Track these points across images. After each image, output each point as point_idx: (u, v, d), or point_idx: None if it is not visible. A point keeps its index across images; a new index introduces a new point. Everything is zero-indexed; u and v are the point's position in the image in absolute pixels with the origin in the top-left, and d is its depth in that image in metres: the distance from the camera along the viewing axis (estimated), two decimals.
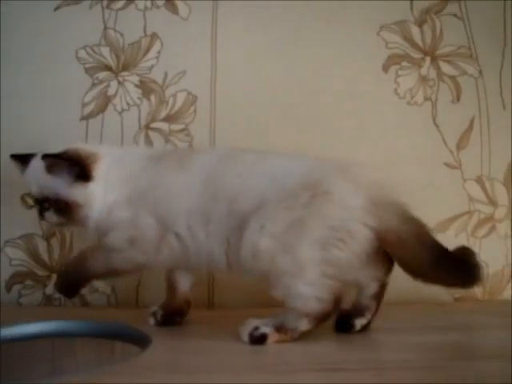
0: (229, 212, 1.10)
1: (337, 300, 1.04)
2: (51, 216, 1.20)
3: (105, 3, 1.55)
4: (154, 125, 1.54)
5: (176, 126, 1.54)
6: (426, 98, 1.58)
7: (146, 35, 1.54)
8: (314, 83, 1.55)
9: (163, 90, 1.54)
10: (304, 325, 1.04)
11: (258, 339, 1.03)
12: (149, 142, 1.54)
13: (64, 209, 1.18)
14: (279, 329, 1.04)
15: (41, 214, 1.21)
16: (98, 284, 1.54)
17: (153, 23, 1.54)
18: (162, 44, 1.53)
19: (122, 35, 1.54)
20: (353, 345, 1.09)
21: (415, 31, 1.58)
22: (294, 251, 1.04)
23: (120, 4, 1.54)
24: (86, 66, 1.55)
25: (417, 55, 1.58)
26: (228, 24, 1.55)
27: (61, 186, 1.18)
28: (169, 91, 1.54)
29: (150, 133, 1.54)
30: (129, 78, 1.54)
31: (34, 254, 1.55)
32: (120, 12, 1.55)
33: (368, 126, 1.56)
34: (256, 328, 1.04)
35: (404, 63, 1.58)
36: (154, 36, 1.54)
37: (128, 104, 1.54)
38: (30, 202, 1.53)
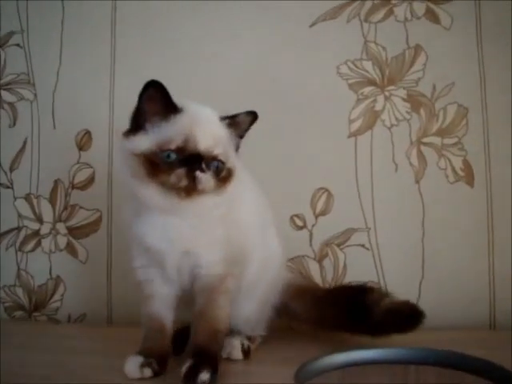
0: None
1: None
2: (208, 179, 0.96)
3: (363, 16, 1.49)
4: (425, 139, 1.45)
5: (449, 140, 1.45)
6: None
7: (409, 47, 1.47)
8: None
9: (432, 102, 1.46)
10: None
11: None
12: (421, 157, 1.45)
13: (224, 176, 0.99)
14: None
15: (190, 175, 0.95)
16: None
17: (415, 34, 1.48)
18: (426, 55, 1.46)
19: (384, 48, 1.48)
20: None
21: None
22: None
23: (379, 16, 1.49)
24: (349, 81, 1.47)
25: None
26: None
27: (231, 149, 1.02)
28: (438, 104, 1.45)
29: (422, 148, 1.45)
30: (395, 93, 1.47)
31: (305, 277, 1.44)
32: (379, 24, 1.49)
33: None
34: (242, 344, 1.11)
35: None
36: (418, 47, 1.47)
37: (397, 119, 1.46)
38: (300, 222, 1.43)
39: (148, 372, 1.00)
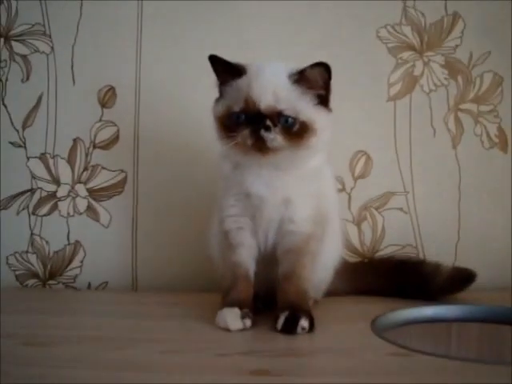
0: None
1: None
2: (275, 138, 0.95)
3: None
4: (462, 106, 1.48)
5: (485, 108, 1.48)
6: None
7: (447, 14, 1.49)
8: None
9: (469, 70, 1.48)
10: None
11: None
12: (458, 123, 1.47)
13: (298, 131, 0.97)
14: None
15: (256, 134, 0.96)
16: None
17: (453, 1, 1.50)
18: (464, 23, 1.49)
19: (423, 14, 1.49)
20: None
21: None
22: None
23: None
24: (389, 45, 1.47)
25: None
26: None
27: (305, 103, 0.99)
28: (475, 72, 1.48)
29: (460, 114, 1.47)
30: (434, 58, 1.48)
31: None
32: None
33: None
34: None
35: None
36: (456, 15, 1.49)
37: (435, 85, 1.48)
38: (338, 185, 1.42)
39: (248, 322, 0.98)
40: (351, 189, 1.46)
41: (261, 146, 0.96)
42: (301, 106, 0.99)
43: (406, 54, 1.47)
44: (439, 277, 1.22)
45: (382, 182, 1.46)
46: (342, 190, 1.46)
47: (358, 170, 1.46)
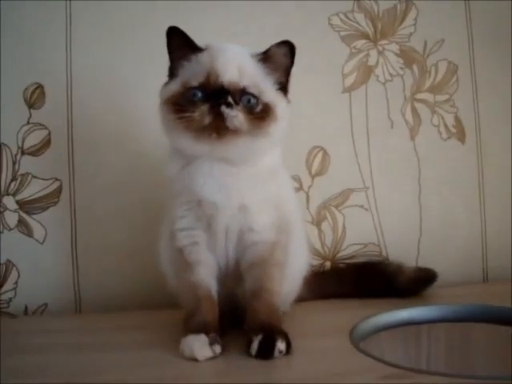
0: None
1: None
2: (236, 116, 0.86)
3: None
4: (419, 96, 1.43)
5: (441, 97, 1.44)
6: None
7: (400, 1, 1.43)
8: None
9: (424, 58, 1.43)
10: None
11: None
12: (416, 114, 1.42)
13: (260, 112, 0.89)
14: None
15: (216, 111, 0.86)
16: None
17: None
18: (417, 10, 1.43)
19: (376, 1, 1.42)
20: None
21: None
22: None
23: None
24: (342, 33, 1.39)
25: None
26: None
27: (269, 84, 0.92)
28: (430, 60, 1.44)
29: (416, 104, 1.42)
30: (388, 47, 1.42)
31: None
32: None
33: None
34: None
35: None
36: (409, 1, 1.43)
37: (391, 74, 1.42)
38: (295, 184, 1.33)
39: (218, 348, 0.86)
40: (309, 187, 1.38)
41: (219, 125, 0.86)
42: (264, 86, 0.91)
43: (359, 43, 1.40)
44: (402, 277, 1.20)
45: (341, 178, 1.39)
46: (300, 188, 1.37)
47: (315, 167, 1.38)
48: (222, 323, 0.93)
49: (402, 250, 1.39)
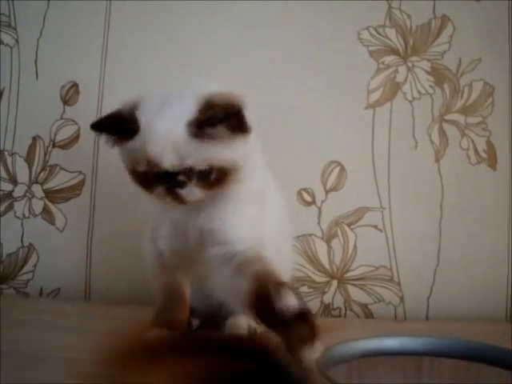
0: None
1: None
2: (193, 192, 0.83)
3: None
4: (448, 116, 1.35)
5: (473, 119, 1.35)
6: None
7: (435, 17, 1.37)
8: None
9: (457, 78, 1.35)
10: None
11: None
12: (443, 135, 1.34)
13: (218, 177, 0.83)
14: None
15: (171, 192, 0.83)
16: (385, 295, 1.30)
17: (442, 3, 1.37)
18: (453, 27, 1.36)
19: (408, 16, 1.37)
20: None
21: None
22: None
23: None
24: (370, 48, 1.36)
25: None
26: None
27: (214, 148, 0.82)
28: (463, 80, 1.36)
29: (445, 125, 1.35)
30: (419, 64, 1.36)
31: (311, 258, 1.31)
32: None
33: None
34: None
35: None
36: (445, 18, 1.37)
37: (419, 92, 1.35)
38: (308, 198, 1.30)
39: None
40: (322, 202, 1.34)
41: (180, 200, 0.84)
42: (212, 152, 0.81)
43: (388, 59, 1.36)
44: None
45: (357, 196, 1.34)
46: (312, 203, 1.34)
47: (330, 182, 1.35)
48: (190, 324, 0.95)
49: (416, 276, 1.32)
